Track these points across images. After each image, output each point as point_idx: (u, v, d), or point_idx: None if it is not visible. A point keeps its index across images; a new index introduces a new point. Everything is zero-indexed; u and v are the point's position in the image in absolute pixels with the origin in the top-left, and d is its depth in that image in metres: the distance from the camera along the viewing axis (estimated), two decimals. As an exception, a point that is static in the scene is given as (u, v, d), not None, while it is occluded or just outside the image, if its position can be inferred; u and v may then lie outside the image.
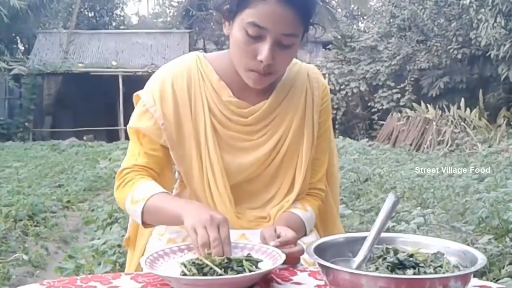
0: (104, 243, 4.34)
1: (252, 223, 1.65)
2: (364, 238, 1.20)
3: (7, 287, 3.80)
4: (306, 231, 1.66)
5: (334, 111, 17.74)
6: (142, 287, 1.20)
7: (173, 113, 1.63)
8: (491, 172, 7.45)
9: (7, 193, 6.92)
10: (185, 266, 1.21)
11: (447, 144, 12.67)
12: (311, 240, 1.54)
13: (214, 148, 1.62)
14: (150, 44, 22.28)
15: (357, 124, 18.50)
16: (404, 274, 1.10)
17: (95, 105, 20.12)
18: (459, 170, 8.15)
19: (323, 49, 21.72)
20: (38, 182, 8.56)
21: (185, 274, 1.18)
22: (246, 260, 1.23)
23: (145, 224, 1.57)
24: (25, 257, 4.37)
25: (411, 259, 1.15)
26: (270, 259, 1.27)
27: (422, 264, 1.14)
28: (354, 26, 23.03)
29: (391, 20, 18.63)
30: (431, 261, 1.15)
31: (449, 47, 16.64)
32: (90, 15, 30.23)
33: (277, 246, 1.35)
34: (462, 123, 13.35)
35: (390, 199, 1.23)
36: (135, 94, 1.72)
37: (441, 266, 1.13)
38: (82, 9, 28.07)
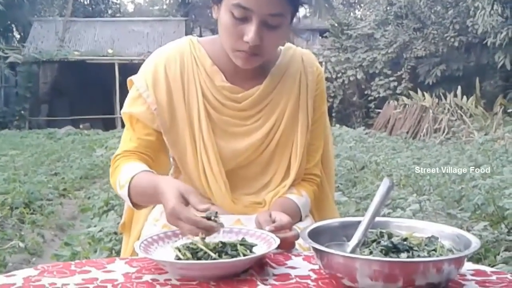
0: (100, 231, 4.35)
1: (248, 208, 1.64)
2: (359, 222, 1.20)
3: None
4: (301, 216, 1.66)
5: (331, 99, 17.74)
6: (137, 271, 1.20)
7: (166, 98, 1.62)
8: (487, 159, 7.47)
9: (3, 181, 6.93)
10: (180, 251, 1.21)
11: (443, 132, 12.70)
12: (306, 225, 1.54)
13: (208, 133, 1.61)
14: (146, 32, 22.20)
15: (354, 112, 18.50)
16: (398, 257, 1.10)
17: (91, 93, 20.06)
18: (455, 157, 8.17)
19: (320, 37, 21.68)
20: (35, 170, 8.56)
21: (179, 259, 1.18)
22: (241, 244, 1.23)
23: (136, 205, 1.57)
24: (22, 245, 4.37)
25: (405, 243, 1.15)
26: (265, 244, 1.27)
27: (416, 248, 1.14)
28: (351, 14, 22.99)
29: (388, 8, 18.59)
30: (425, 245, 1.15)
31: (446, 34, 16.62)
32: (86, 2, 30.07)
33: (272, 231, 1.35)
34: (459, 111, 13.37)
35: (384, 184, 1.23)
36: (129, 79, 1.71)
37: (435, 250, 1.13)
38: (77, -3, 27.93)
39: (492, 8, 13.11)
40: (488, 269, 1.21)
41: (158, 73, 1.63)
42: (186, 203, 1.29)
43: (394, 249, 1.13)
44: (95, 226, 4.63)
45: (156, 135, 1.64)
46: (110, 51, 20.50)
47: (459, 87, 14.40)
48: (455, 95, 14.12)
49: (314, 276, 1.17)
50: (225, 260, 1.17)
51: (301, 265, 1.25)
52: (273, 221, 1.41)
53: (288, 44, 1.77)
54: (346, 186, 6.63)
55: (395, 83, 17.70)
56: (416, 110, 13.97)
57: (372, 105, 17.89)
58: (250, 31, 1.47)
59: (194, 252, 1.20)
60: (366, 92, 18.32)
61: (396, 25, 18.20)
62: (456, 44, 16.53)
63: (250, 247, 1.23)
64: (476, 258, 3.48)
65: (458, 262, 1.07)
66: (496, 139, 10.41)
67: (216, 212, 1.29)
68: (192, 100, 1.63)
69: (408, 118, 14.10)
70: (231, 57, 1.56)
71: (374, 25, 18.83)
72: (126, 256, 1.68)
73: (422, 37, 17.43)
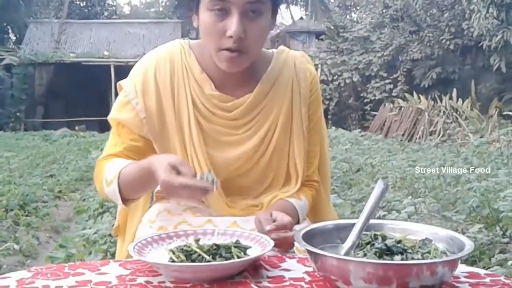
0: (95, 233, 4.35)
1: (244, 211, 1.63)
2: (353, 224, 1.20)
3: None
4: (299, 219, 1.65)
5: (327, 102, 17.75)
6: (131, 273, 1.20)
7: (155, 105, 1.59)
8: (482, 162, 7.49)
9: (-2, 183, 6.91)
10: (174, 253, 1.21)
11: (439, 135, 12.71)
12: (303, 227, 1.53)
13: (199, 142, 1.59)
14: (142, 34, 22.20)
15: (350, 115, 18.51)
16: (392, 260, 1.11)
17: (87, 95, 20.04)
18: (451, 160, 8.19)
19: (316, 40, 21.71)
20: (30, 172, 8.54)
21: (173, 261, 1.18)
22: (235, 246, 1.23)
23: (127, 201, 1.55)
24: (16, 247, 4.37)
25: (399, 245, 1.15)
26: (259, 246, 1.27)
27: (410, 250, 1.14)
28: (347, 17, 22.99)
29: (384, 11, 18.61)
30: (419, 247, 1.16)
31: (441, 37, 16.65)
32: (82, 4, 30.08)
33: (273, 230, 1.35)
34: (454, 114, 13.39)
35: (379, 186, 1.23)
36: (118, 83, 1.67)
37: (429, 252, 1.13)
38: (73, -1, 27.91)
39: (487, 11, 13.15)
40: (482, 271, 1.22)
41: (147, 79, 1.60)
42: (178, 173, 1.31)
43: (388, 252, 1.13)
44: (90, 228, 4.63)
45: (143, 141, 1.61)
46: (106, 53, 20.50)
47: (455, 90, 14.42)
48: (451, 98, 14.14)
49: (308, 278, 1.17)
50: (219, 262, 1.16)
51: (295, 267, 1.25)
52: (274, 220, 1.41)
53: (281, 48, 1.73)
54: (342, 188, 6.64)
55: (391, 86, 17.71)
56: (412, 112, 13.99)
57: (368, 107, 17.90)
58: (232, 24, 1.44)
59: (188, 254, 1.20)
60: (362, 95, 18.33)
61: (392, 28, 18.23)
62: (451, 47, 16.57)
63: (244, 249, 1.23)
64: (471, 260, 3.49)
65: (452, 264, 1.08)
66: (491, 142, 10.43)
67: (210, 173, 1.32)
68: (182, 108, 1.60)
69: (404, 120, 14.12)
70: (216, 61, 1.52)
71: (370, 27, 18.85)
72: (121, 259, 1.68)
73: (418, 40, 17.46)
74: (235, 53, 1.48)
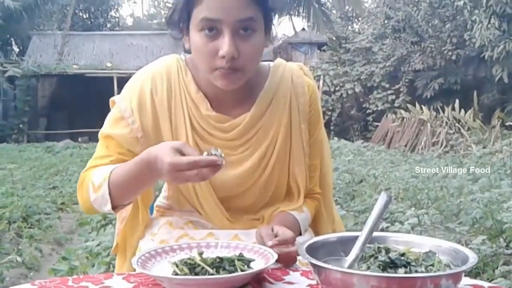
0: (98, 245, 4.34)
1: (246, 225, 1.63)
2: (356, 237, 1.20)
3: (1, 289, 3.79)
4: (300, 231, 1.64)
5: (329, 112, 17.75)
6: (134, 287, 1.20)
7: (152, 124, 1.55)
8: (485, 173, 7.47)
9: (1, 195, 6.92)
10: (177, 266, 1.21)
11: (441, 145, 12.69)
12: (305, 240, 1.53)
13: None
14: (145, 46, 22.27)
15: (352, 125, 18.50)
16: (396, 273, 1.11)
17: (89, 107, 20.04)
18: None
19: (318, 51, 21.72)
20: (33, 184, 8.55)
21: (177, 274, 1.18)
22: (238, 259, 1.23)
23: (117, 207, 1.49)
24: (19, 259, 4.36)
25: (402, 258, 1.15)
26: (262, 259, 1.27)
27: (413, 263, 1.14)
28: (349, 28, 23.04)
29: (386, 22, 18.65)
30: (423, 260, 1.16)
31: (443, 48, 16.66)
32: (84, 16, 30.21)
33: (275, 245, 1.34)
34: (457, 124, 13.37)
35: (382, 198, 1.23)
36: (111, 99, 1.62)
37: (432, 265, 1.13)
38: (76, 11, 28.02)
39: (489, 22, 13.17)
40: (486, 284, 1.21)
41: (144, 97, 1.56)
42: (182, 155, 1.28)
43: (392, 264, 1.13)
44: (93, 240, 4.62)
45: (132, 156, 1.51)
46: (109, 64, 20.55)
47: (457, 101, 14.41)
48: (453, 109, 14.14)
49: (311, 291, 1.17)
50: (222, 275, 1.16)
51: (299, 280, 1.25)
52: (275, 235, 1.39)
53: (278, 61, 1.68)
54: (345, 200, 6.63)
55: (393, 97, 17.71)
56: (414, 123, 13.97)
57: (370, 118, 17.89)
58: (224, 44, 1.40)
59: (192, 268, 1.20)
60: (364, 105, 18.33)
61: (393, 39, 18.26)
62: (453, 57, 16.57)
63: (247, 262, 1.23)
64: (474, 272, 3.48)
65: (456, 277, 1.07)
66: (494, 152, 10.41)
67: (216, 149, 1.29)
68: (180, 129, 1.56)
69: (406, 131, 14.11)
70: (212, 80, 1.48)
71: (372, 38, 18.88)
72: (124, 272, 1.67)
73: (420, 51, 17.48)
74: (229, 69, 1.44)
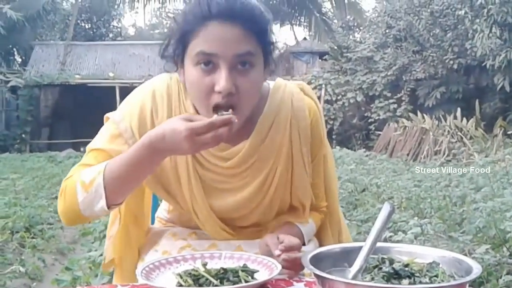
0: (101, 255, 4.33)
1: (249, 236, 1.62)
2: (360, 248, 1.20)
3: (4, 299, 3.79)
4: (304, 242, 1.62)
5: (331, 122, 17.76)
6: (138, 298, 1.20)
7: None
8: (488, 181, 7.47)
9: (4, 205, 6.91)
10: (181, 277, 1.21)
11: (444, 154, 12.69)
12: (310, 249, 1.52)
13: (199, 192, 1.53)
14: (147, 55, 22.29)
15: (354, 135, 18.50)
16: (400, 284, 1.10)
17: (92, 117, 19.91)
18: (456, 179, 8.16)
19: (320, 60, 21.77)
20: (35, 193, 8.54)
21: (181, 285, 1.18)
22: (242, 270, 1.23)
23: (112, 205, 1.41)
24: (22, 269, 4.36)
25: (406, 268, 1.15)
26: (266, 270, 1.27)
27: (417, 274, 1.14)
28: (350, 37, 23.07)
29: (387, 31, 18.68)
30: (427, 270, 1.16)
31: (445, 57, 16.68)
32: (87, 26, 30.28)
33: (282, 251, 1.34)
34: (459, 133, 13.38)
35: (385, 208, 1.23)
36: (106, 116, 1.59)
37: (436, 276, 1.13)
38: (79, 21, 28.10)
39: (490, 31, 13.21)
40: (490, 295, 1.21)
41: (144, 117, 1.51)
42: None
43: (396, 275, 1.13)
44: (96, 250, 4.61)
45: None
46: (111, 74, 20.58)
47: (459, 109, 14.42)
48: (455, 117, 14.14)
49: (316, 302, 1.17)
50: (226, 286, 1.17)
51: (302, 291, 1.25)
52: (281, 243, 1.39)
53: (278, 82, 1.61)
54: (347, 209, 6.62)
55: (395, 105, 17.72)
56: (416, 132, 13.98)
57: (372, 127, 17.89)
58: (220, 79, 1.34)
59: (196, 279, 1.20)
60: (366, 114, 18.34)
61: (395, 48, 18.29)
62: (455, 66, 16.58)
63: (251, 273, 1.24)
64: (478, 282, 3.47)
65: (460, 288, 1.07)
66: (496, 161, 10.40)
67: (222, 111, 1.31)
68: (179, 157, 1.51)
69: (409, 140, 14.10)
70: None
71: (373, 48, 18.91)
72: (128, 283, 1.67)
73: (421, 60, 17.50)
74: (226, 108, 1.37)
